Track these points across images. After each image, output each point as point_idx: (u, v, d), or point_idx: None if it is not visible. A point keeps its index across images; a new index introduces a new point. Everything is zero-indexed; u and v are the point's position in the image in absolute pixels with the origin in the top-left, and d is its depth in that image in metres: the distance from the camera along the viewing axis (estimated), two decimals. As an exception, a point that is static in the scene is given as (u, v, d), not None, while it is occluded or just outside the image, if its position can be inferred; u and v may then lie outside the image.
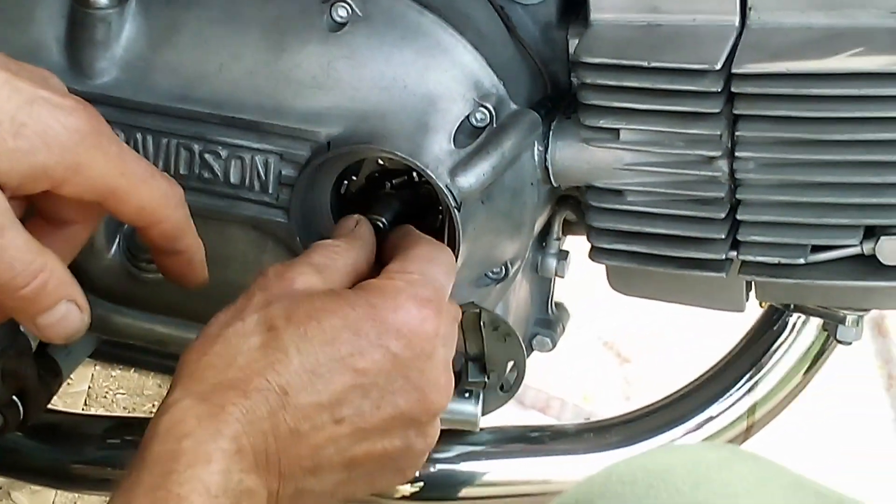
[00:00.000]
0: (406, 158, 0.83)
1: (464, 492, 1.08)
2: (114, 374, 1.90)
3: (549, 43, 0.91)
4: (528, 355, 0.95)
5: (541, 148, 0.90)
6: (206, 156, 0.88)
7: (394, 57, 0.86)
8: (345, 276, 0.79)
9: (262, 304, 0.74)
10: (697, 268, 0.91)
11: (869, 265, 0.88)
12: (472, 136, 0.85)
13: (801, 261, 0.88)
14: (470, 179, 0.83)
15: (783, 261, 0.88)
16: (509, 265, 0.91)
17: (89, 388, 1.89)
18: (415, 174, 0.88)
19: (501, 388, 0.94)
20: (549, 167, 0.90)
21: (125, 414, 1.83)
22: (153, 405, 1.86)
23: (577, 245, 1.00)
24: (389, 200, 0.88)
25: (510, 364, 0.92)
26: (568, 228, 1.01)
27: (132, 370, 1.90)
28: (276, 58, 0.87)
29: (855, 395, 1.89)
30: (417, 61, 0.86)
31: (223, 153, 0.88)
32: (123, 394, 1.88)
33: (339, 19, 0.87)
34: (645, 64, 0.85)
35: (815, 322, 1.08)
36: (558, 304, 1.06)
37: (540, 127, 0.89)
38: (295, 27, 0.87)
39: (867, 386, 1.93)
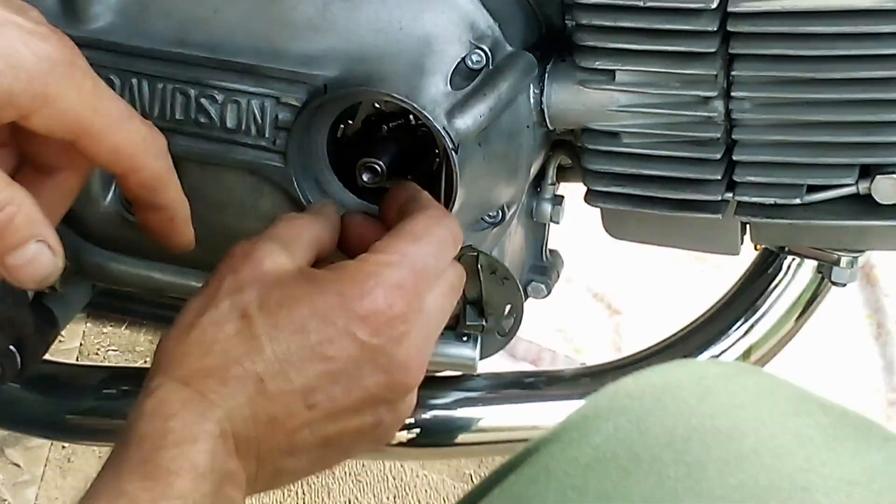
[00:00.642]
0: (403, 100, 0.83)
1: (460, 437, 1.08)
2: (105, 330, 1.90)
3: (543, -16, 0.91)
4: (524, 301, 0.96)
5: (536, 90, 0.90)
6: (202, 100, 0.87)
7: (389, -2, 0.86)
8: (309, 251, 0.79)
9: (234, 289, 0.74)
10: (693, 209, 0.91)
11: (864, 205, 0.89)
12: (468, 79, 0.85)
13: (797, 201, 0.88)
14: (467, 121, 0.83)
15: (779, 201, 0.89)
16: (506, 209, 0.91)
17: (81, 344, 1.89)
18: (411, 117, 0.88)
19: (499, 332, 0.94)
20: (545, 109, 0.90)
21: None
22: (145, 361, 1.86)
23: (566, 197, 1.01)
24: (386, 144, 0.88)
25: (508, 307, 0.93)
26: (562, 175, 1.01)
27: (124, 327, 1.90)
28: (271, 0, 0.86)
29: (844, 344, 1.90)
30: (413, 3, 0.85)
31: (219, 97, 0.87)
32: (115, 350, 1.88)
33: (333, -39, 0.86)
34: (640, 3, 0.84)
35: (810, 265, 1.08)
36: (553, 251, 1.06)
37: (535, 69, 0.88)
38: (290, -31, 0.87)
39: (856, 334, 1.94)
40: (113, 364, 1.83)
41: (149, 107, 0.88)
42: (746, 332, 1.09)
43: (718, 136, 0.88)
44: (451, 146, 0.83)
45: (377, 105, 0.89)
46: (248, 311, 0.73)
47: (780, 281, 1.09)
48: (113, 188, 0.94)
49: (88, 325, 1.89)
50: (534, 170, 0.95)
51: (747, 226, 0.96)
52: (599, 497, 0.66)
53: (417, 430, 1.07)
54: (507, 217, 0.92)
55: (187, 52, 0.87)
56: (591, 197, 0.93)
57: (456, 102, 0.84)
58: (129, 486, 0.66)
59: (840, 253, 1.02)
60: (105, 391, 1.12)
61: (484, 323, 0.93)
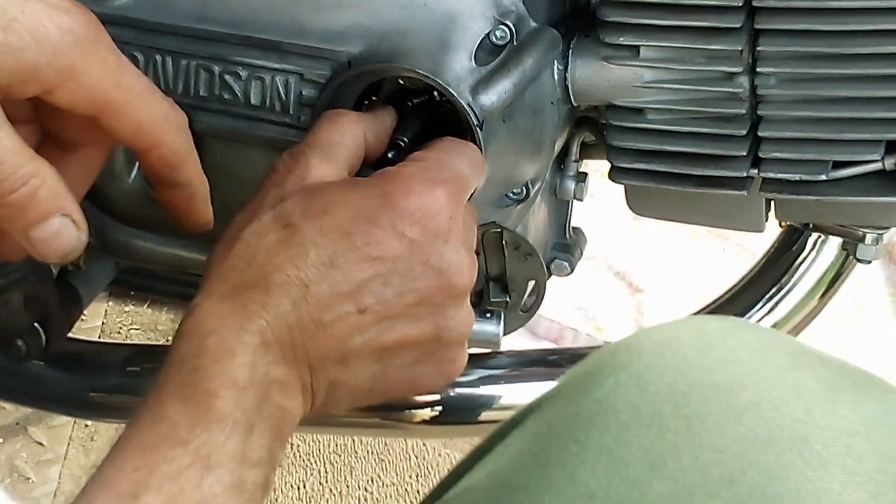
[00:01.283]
0: (427, 76, 0.83)
1: (483, 415, 1.08)
2: (127, 309, 1.90)
3: (567, -40, 0.91)
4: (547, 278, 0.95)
5: (560, 67, 0.90)
6: (226, 77, 0.87)
7: (412, -27, 0.85)
8: (354, 152, 0.79)
9: (277, 201, 0.74)
10: (718, 186, 0.90)
11: (890, 181, 0.88)
12: (492, 55, 0.85)
13: (823, 177, 0.88)
14: (492, 97, 0.83)
15: (804, 177, 0.88)
16: (530, 185, 0.91)
17: (103, 323, 1.89)
18: (436, 93, 0.88)
19: (521, 308, 0.94)
20: (569, 86, 0.90)
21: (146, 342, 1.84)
22: (167, 340, 1.86)
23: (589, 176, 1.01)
24: (410, 120, 0.87)
25: (531, 284, 0.93)
26: (585, 152, 1.01)
27: (145, 305, 1.90)
28: (295, -24, 0.86)
29: (865, 322, 1.89)
30: (437, -22, 0.85)
31: (243, 74, 0.87)
32: (137, 329, 1.89)
33: (357, -63, 0.86)
34: (665, -21, 0.84)
35: (835, 242, 1.08)
36: (576, 229, 1.06)
37: (560, 45, 0.88)
38: (313, -55, 0.87)
39: (877, 313, 1.93)
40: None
41: (173, 84, 0.88)
42: (771, 310, 1.09)
43: (743, 111, 0.87)
44: (475, 122, 0.83)
45: (401, 81, 0.88)
46: (291, 219, 0.73)
47: (804, 258, 1.09)
48: (137, 165, 0.95)
49: (110, 303, 1.90)
50: (558, 146, 0.95)
51: (772, 202, 0.96)
52: (601, 450, 0.66)
53: (440, 408, 1.08)
54: (532, 194, 0.91)
55: (211, 29, 0.87)
56: (615, 174, 0.93)
57: (480, 78, 0.84)
58: (169, 411, 0.65)
59: (865, 229, 1.01)
60: (129, 369, 1.13)
61: (507, 299, 0.93)
